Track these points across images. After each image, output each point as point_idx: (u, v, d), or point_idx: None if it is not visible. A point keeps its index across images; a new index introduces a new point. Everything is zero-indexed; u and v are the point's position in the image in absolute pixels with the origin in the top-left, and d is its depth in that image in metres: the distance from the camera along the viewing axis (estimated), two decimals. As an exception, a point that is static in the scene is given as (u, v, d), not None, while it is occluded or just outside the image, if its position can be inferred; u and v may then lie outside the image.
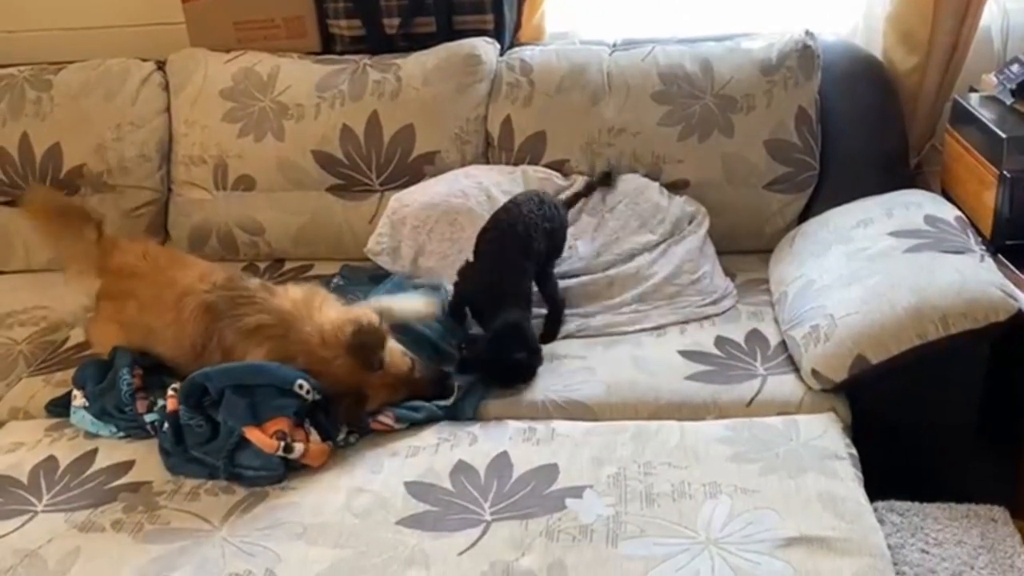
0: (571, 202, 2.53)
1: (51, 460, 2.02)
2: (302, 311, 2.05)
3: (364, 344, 2.00)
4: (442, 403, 2.06)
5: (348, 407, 1.98)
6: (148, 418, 2.06)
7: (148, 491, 1.91)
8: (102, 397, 2.10)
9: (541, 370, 2.15)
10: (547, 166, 2.66)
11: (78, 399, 2.13)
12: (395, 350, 2.07)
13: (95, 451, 2.04)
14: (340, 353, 2.00)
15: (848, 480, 1.77)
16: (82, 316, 2.53)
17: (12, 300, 2.70)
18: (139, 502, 1.87)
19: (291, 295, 2.10)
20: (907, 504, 1.97)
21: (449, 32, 2.82)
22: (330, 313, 2.07)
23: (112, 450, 2.04)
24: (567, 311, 2.34)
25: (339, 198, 2.77)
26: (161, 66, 2.94)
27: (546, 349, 2.20)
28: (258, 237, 2.82)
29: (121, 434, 2.08)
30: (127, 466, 1.99)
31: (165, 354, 2.20)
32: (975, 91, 2.64)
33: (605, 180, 2.59)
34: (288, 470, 1.91)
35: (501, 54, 2.82)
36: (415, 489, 1.84)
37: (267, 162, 2.76)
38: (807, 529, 1.65)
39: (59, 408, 2.18)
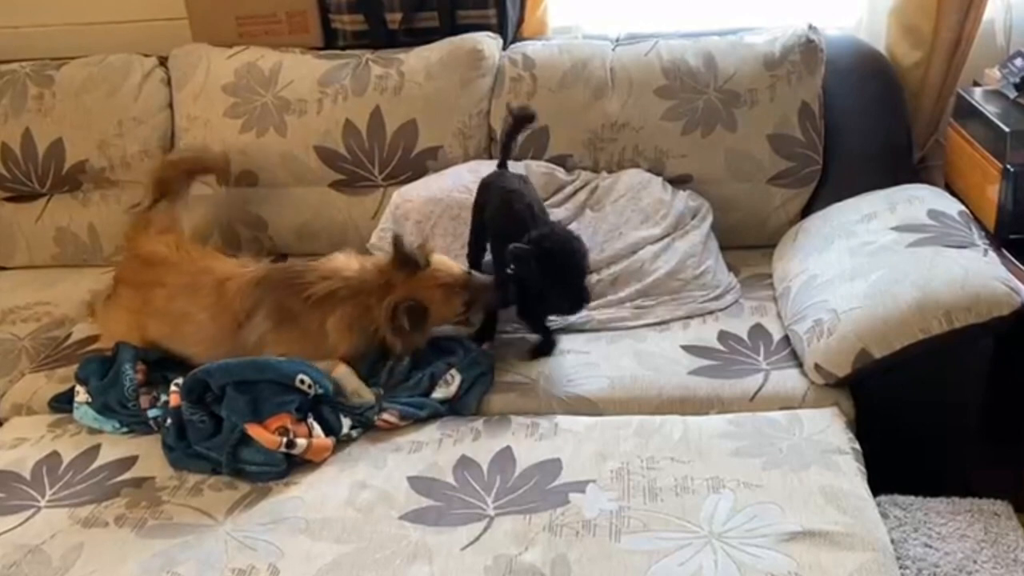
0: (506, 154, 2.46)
1: (54, 456, 2.02)
2: (353, 264, 2.16)
3: (405, 247, 2.11)
4: (442, 398, 2.07)
5: (413, 322, 2.04)
6: (151, 414, 2.07)
7: (151, 486, 1.91)
8: (105, 393, 2.11)
9: (543, 365, 2.16)
10: (550, 161, 2.66)
11: (81, 395, 2.14)
12: (445, 259, 2.17)
13: (98, 447, 2.04)
14: (389, 273, 2.11)
15: (851, 474, 1.77)
16: (83, 313, 2.54)
17: (15, 296, 2.71)
18: (142, 497, 1.87)
19: (335, 261, 2.19)
20: (910, 498, 1.97)
21: (452, 27, 2.82)
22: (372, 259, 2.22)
23: (115, 445, 2.04)
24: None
25: (342, 193, 2.77)
26: (163, 61, 2.93)
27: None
28: (261, 233, 2.82)
29: (124, 429, 2.09)
30: (130, 461, 1.99)
31: (191, 338, 2.21)
32: (979, 85, 2.64)
33: (523, 121, 2.46)
34: (291, 465, 1.91)
35: (504, 49, 2.81)
36: (418, 484, 1.84)
37: (270, 158, 2.76)
38: (810, 523, 1.65)
39: (62, 404, 2.19)
